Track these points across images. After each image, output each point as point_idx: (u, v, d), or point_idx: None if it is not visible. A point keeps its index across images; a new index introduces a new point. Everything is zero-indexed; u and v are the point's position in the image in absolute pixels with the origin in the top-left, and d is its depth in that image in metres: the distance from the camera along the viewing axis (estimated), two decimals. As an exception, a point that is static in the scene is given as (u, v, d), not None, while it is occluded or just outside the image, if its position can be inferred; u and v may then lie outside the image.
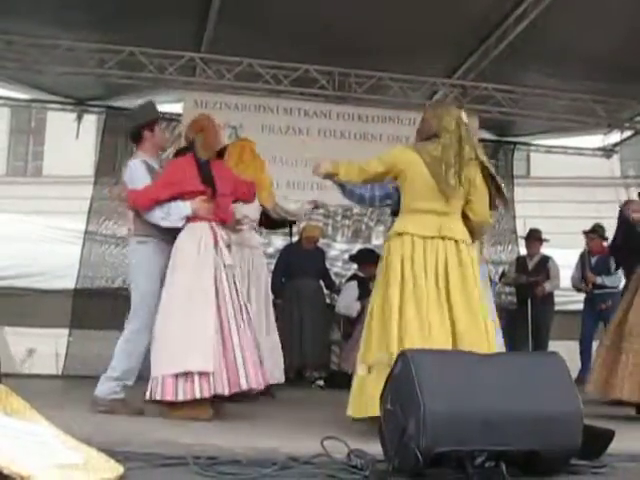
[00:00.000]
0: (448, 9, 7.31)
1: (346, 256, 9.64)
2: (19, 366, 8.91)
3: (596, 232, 9.07)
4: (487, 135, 10.14)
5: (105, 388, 5.03)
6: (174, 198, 4.99)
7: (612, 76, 8.42)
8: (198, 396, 4.64)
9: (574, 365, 8.03)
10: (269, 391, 5.93)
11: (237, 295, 4.95)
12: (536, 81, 8.84)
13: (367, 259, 9.02)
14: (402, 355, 3.14)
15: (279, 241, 9.46)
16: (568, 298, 9.65)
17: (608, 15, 7.26)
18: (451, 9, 7.31)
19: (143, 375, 5.04)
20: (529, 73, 8.73)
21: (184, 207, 5.00)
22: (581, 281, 9.10)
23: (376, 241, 9.93)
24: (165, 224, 5.02)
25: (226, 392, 4.70)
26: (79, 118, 9.48)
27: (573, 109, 9.10)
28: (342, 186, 4.81)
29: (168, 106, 9.67)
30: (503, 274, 9.69)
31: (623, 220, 6.13)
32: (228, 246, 5.15)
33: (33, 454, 2.47)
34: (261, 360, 4.95)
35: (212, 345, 4.69)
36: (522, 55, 8.03)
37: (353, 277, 9.10)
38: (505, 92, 8.94)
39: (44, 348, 15.13)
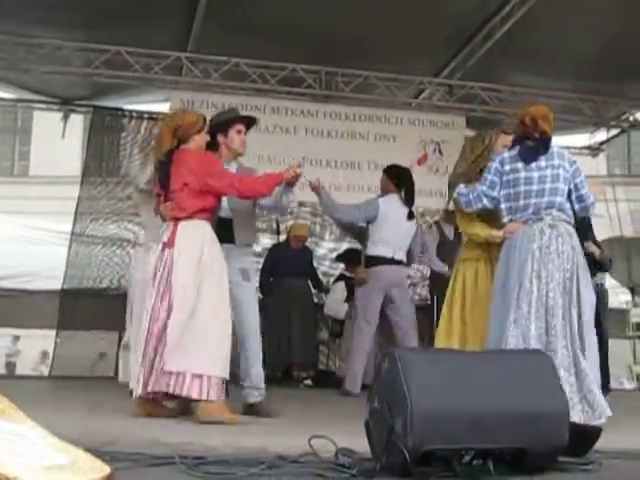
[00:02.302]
0: (434, 8, 7.33)
1: (334, 255, 9.63)
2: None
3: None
4: (473, 134, 10.15)
5: None
6: None
7: (599, 75, 8.46)
8: None
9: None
10: None
11: (163, 294, 4.82)
12: (522, 80, 8.87)
13: (354, 259, 9.03)
14: (389, 353, 3.14)
15: (266, 240, 9.46)
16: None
17: (594, 14, 7.29)
18: (437, 8, 7.34)
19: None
20: (515, 72, 8.75)
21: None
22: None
23: (364, 240, 9.93)
24: None
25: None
26: (65, 118, 9.45)
27: (560, 108, 9.11)
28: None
29: (154, 105, 9.67)
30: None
31: None
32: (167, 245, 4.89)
33: (19, 455, 2.45)
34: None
35: None
36: (508, 54, 8.06)
37: (340, 277, 9.09)
38: (491, 91, 8.96)
39: (31, 349, 15.08)
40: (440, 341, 5.14)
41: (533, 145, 4.81)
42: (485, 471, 2.95)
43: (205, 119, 5.11)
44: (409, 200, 7.34)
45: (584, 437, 3.38)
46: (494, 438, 2.95)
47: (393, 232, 7.25)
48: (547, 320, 4.56)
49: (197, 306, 4.73)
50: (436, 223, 9.11)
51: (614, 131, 10.11)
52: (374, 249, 7.27)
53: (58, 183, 16.93)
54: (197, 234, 4.83)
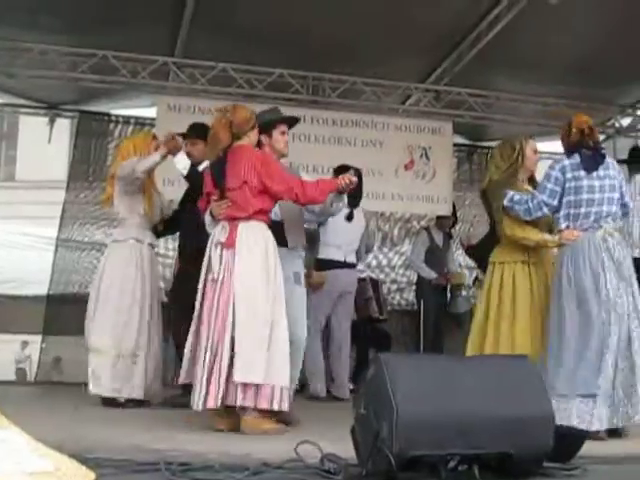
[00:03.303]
0: (421, 14, 7.34)
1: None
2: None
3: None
4: (461, 140, 10.18)
5: None
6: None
7: (584, 81, 8.48)
8: None
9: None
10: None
11: (226, 297, 4.62)
12: (509, 86, 8.89)
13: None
14: (375, 358, 3.15)
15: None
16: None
17: (580, 21, 7.31)
18: (424, 14, 7.34)
19: None
20: (502, 78, 8.77)
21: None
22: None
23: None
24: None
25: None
26: (52, 122, 9.41)
27: (545, 113, 9.16)
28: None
29: (141, 110, 9.64)
30: (477, 279, 9.73)
31: None
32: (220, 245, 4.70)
33: (3, 461, 2.44)
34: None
35: None
36: (495, 60, 8.07)
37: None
38: (478, 97, 8.97)
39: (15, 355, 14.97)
40: (471, 347, 5.21)
41: (591, 154, 4.93)
42: (471, 476, 2.96)
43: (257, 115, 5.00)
44: (354, 201, 7.27)
45: (569, 442, 3.39)
46: (479, 443, 2.96)
47: (342, 234, 7.25)
48: (620, 326, 4.66)
49: (265, 310, 4.60)
50: (426, 229, 9.14)
51: (600, 137, 10.13)
52: (326, 252, 7.28)
53: (45, 188, 16.86)
54: (260, 236, 4.71)
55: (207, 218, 4.90)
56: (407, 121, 9.09)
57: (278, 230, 4.97)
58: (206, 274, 4.71)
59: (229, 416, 4.61)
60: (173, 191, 7.10)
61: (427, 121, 9.15)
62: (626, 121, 9.77)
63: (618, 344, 4.62)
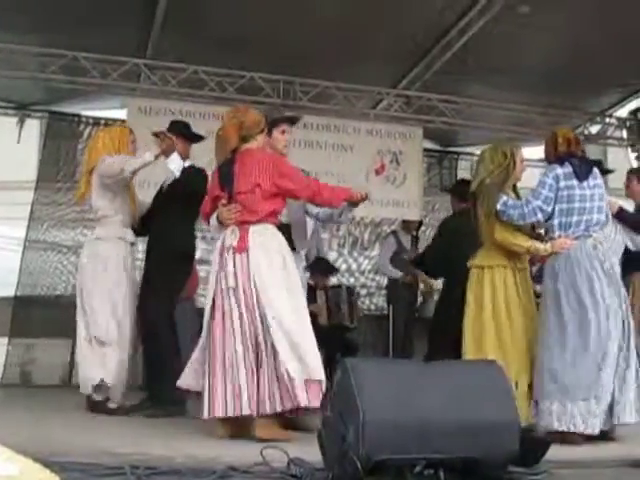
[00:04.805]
0: (393, 19, 7.36)
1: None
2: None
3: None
4: (431, 145, 10.23)
5: None
6: (216, 208, 4.75)
7: (554, 88, 8.56)
8: None
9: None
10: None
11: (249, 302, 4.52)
12: (479, 92, 8.94)
13: (317, 268, 8.99)
14: (342, 363, 3.15)
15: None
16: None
17: (550, 29, 7.37)
18: (396, 19, 7.37)
19: None
20: (472, 84, 8.82)
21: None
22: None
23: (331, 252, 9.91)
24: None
25: None
26: (21, 122, 9.34)
27: (515, 120, 9.23)
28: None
29: (112, 112, 9.59)
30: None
31: None
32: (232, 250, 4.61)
33: (-35, 465, 2.42)
34: None
35: None
36: (466, 67, 8.11)
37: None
38: (448, 103, 9.02)
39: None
40: (470, 350, 5.11)
41: (581, 163, 5.02)
42: (436, 481, 2.97)
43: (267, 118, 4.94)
44: None
45: (535, 447, 3.41)
46: (445, 448, 2.97)
47: None
48: (620, 332, 4.76)
49: (293, 312, 4.50)
50: (393, 233, 9.18)
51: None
52: None
53: (14, 189, 16.73)
54: (274, 239, 4.63)
55: (213, 222, 4.79)
56: (378, 126, 9.12)
57: (285, 233, 4.86)
58: (219, 282, 4.59)
59: (233, 422, 4.48)
60: (147, 193, 7.01)
61: (398, 126, 9.18)
62: (595, 128, 9.87)
63: (618, 349, 4.70)
